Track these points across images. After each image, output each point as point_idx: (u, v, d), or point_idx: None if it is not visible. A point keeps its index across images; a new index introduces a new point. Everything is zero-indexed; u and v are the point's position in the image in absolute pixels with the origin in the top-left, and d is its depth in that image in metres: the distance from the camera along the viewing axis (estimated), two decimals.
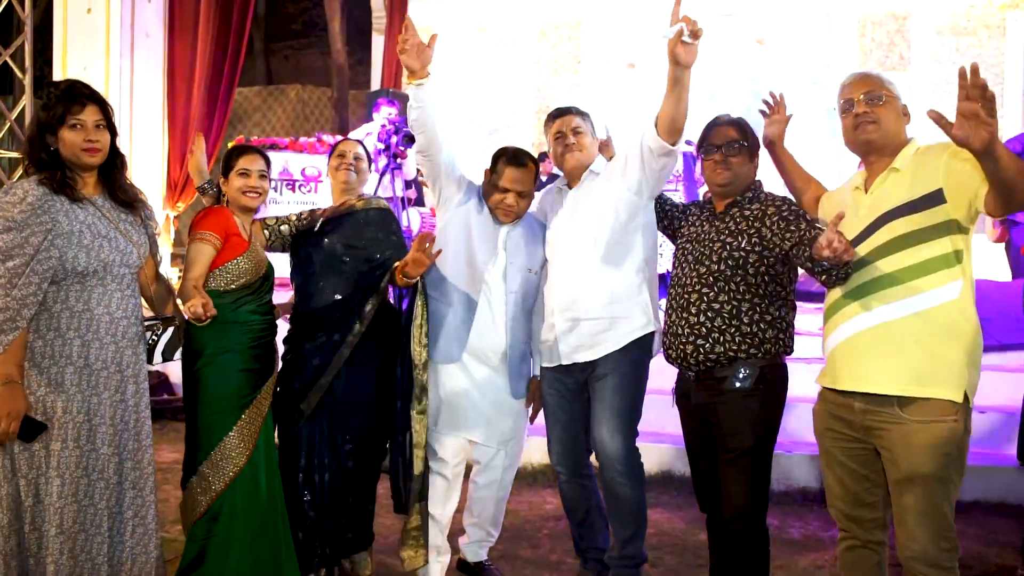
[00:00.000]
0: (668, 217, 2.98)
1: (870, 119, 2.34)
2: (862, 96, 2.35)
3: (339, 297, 3.02)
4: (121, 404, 2.44)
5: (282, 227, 3.15)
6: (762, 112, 2.91)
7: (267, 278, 2.93)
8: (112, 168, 2.50)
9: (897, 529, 2.32)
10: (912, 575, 2.28)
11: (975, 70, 1.96)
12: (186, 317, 2.58)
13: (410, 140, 6.44)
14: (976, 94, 1.96)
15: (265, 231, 3.10)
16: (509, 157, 3.03)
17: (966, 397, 2.22)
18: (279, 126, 13.63)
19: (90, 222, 2.40)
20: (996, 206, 2.14)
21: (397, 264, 2.92)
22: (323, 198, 7.39)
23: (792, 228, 2.50)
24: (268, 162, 3.00)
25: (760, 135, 2.83)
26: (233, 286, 2.80)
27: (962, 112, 1.99)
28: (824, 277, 2.37)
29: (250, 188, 2.89)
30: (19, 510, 2.31)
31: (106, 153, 2.44)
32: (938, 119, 2.01)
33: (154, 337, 2.64)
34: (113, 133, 2.48)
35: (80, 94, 2.41)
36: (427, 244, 2.81)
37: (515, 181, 2.99)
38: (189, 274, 2.75)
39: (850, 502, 2.45)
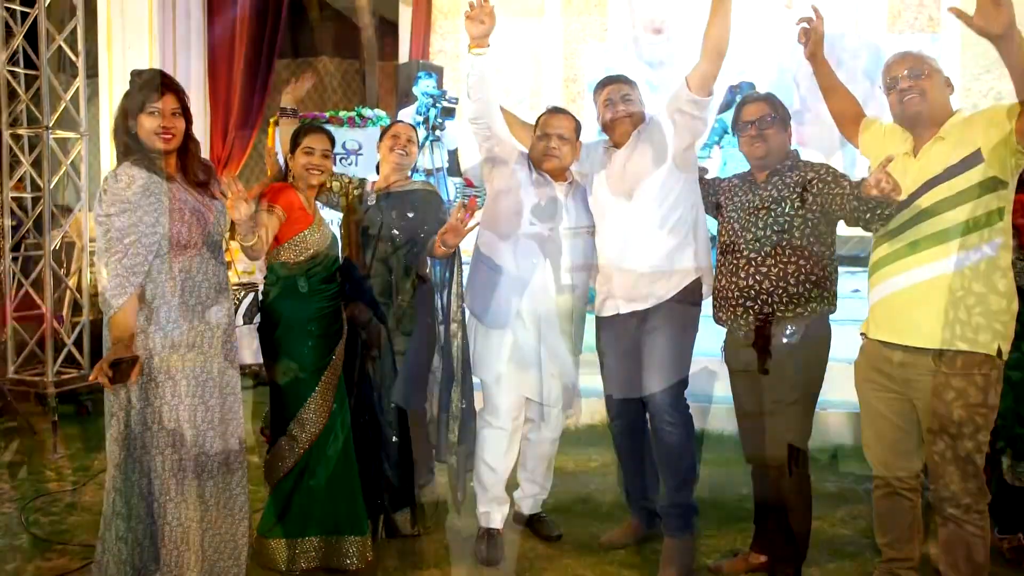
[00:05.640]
0: (705, 194, 3.12)
1: (915, 91, 2.50)
2: (905, 72, 2.52)
3: (382, 270, 3.19)
4: (219, 360, 2.69)
5: (355, 190, 3.32)
6: (802, 30, 2.84)
7: (332, 247, 3.12)
8: (186, 152, 2.70)
9: (931, 474, 2.52)
10: (944, 516, 2.48)
11: None
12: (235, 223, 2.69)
13: (448, 113, 6.54)
14: None
15: (335, 183, 3.29)
16: (547, 109, 3.28)
17: (999, 351, 2.39)
18: (307, 99, 13.67)
19: (184, 198, 2.63)
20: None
21: (436, 236, 3.06)
22: (362, 170, 7.57)
23: (834, 186, 2.68)
24: (333, 141, 3.17)
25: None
26: (302, 257, 3.00)
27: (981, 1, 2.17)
28: (869, 216, 2.53)
29: (313, 166, 3.07)
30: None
31: (181, 139, 2.66)
32: (959, 14, 2.23)
33: (236, 301, 2.89)
34: (188, 121, 2.69)
35: (158, 83, 2.61)
36: (462, 214, 2.98)
37: (554, 126, 3.17)
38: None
39: (886, 450, 2.63)
